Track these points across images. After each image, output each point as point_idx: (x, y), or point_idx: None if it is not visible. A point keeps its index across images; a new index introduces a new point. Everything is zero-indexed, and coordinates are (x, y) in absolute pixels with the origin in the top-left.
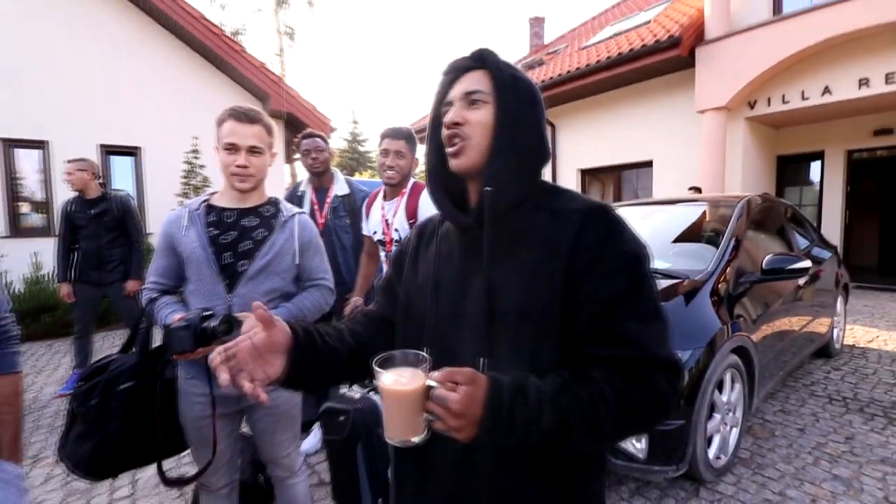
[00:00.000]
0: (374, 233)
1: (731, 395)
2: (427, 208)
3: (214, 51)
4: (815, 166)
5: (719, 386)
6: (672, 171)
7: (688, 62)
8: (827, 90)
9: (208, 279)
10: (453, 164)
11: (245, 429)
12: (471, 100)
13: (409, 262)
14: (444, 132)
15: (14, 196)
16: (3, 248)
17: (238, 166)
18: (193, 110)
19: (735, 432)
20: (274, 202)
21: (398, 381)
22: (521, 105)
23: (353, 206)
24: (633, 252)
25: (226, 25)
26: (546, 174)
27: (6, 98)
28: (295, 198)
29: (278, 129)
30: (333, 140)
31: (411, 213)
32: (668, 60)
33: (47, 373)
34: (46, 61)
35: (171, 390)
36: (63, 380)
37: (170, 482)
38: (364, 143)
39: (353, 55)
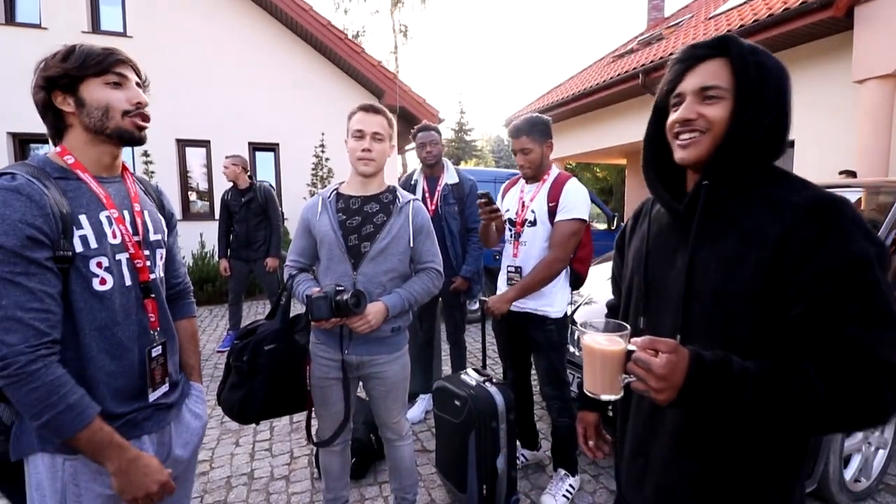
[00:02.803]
0: (507, 210)
1: None
2: (572, 200)
3: (338, 53)
4: None
5: None
6: (818, 152)
7: (842, 24)
8: None
9: (338, 259)
10: (679, 155)
11: (361, 393)
12: (705, 95)
13: (626, 241)
14: (673, 126)
15: (185, 187)
16: (178, 229)
17: (363, 150)
18: (320, 108)
19: (882, 455)
20: (392, 190)
21: (596, 341)
22: (765, 100)
23: (461, 195)
24: (859, 254)
25: (348, 29)
26: None
27: (179, 105)
28: (409, 186)
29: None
30: (441, 130)
31: (553, 198)
32: (818, 24)
33: (209, 332)
34: (207, 74)
35: (303, 354)
36: (220, 338)
37: (316, 443)
38: (470, 132)
39: (461, 45)
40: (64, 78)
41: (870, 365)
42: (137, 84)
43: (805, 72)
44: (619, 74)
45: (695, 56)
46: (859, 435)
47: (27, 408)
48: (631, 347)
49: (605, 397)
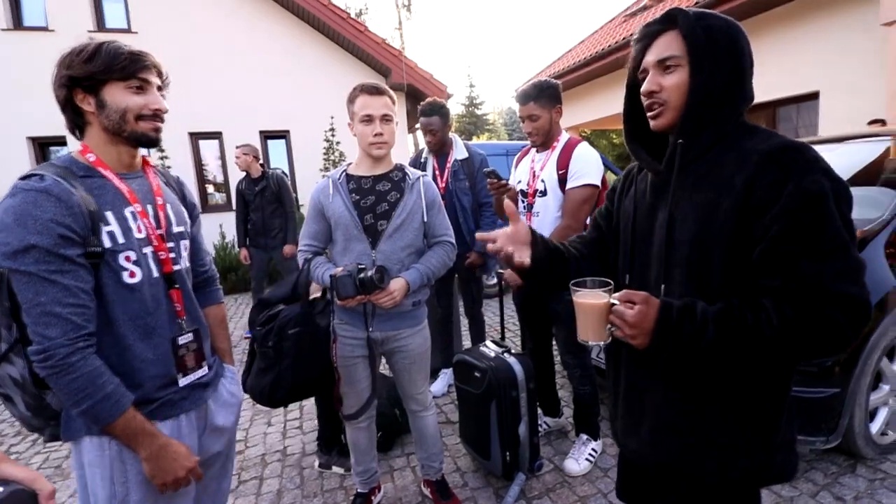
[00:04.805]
0: (519, 182)
1: None
2: (582, 166)
3: (342, 33)
4: None
5: (890, 354)
6: (845, 102)
7: None
8: None
9: (355, 238)
10: (653, 125)
11: (383, 371)
12: (665, 66)
13: (617, 197)
14: (643, 98)
15: (202, 179)
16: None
17: (376, 135)
18: (328, 92)
19: None
20: (400, 167)
21: (583, 296)
22: (717, 58)
23: (471, 170)
24: (817, 190)
25: (350, 8)
26: None
27: (191, 99)
28: (419, 164)
29: (401, 101)
30: (451, 106)
31: (562, 165)
32: None
33: (235, 320)
34: (213, 65)
35: (326, 335)
36: (246, 325)
37: (346, 416)
38: (480, 105)
39: (467, 16)
40: (88, 80)
41: (821, 295)
42: (158, 87)
43: (830, 18)
44: (631, 34)
45: (650, 33)
46: (885, 388)
47: (68, 396)
48: (612, 300)
49: (592, 343)
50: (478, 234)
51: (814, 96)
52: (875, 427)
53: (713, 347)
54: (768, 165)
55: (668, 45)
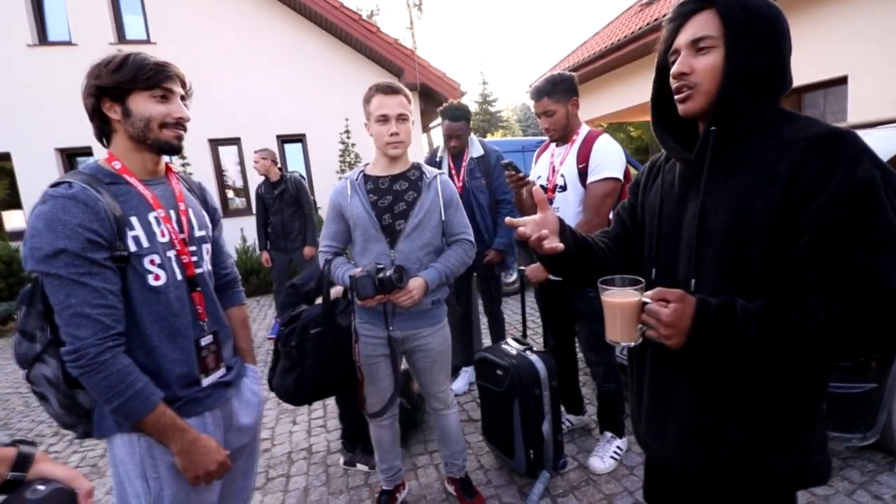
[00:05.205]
0: (539, 177)
1: None
2: (602, 159)
3: (354, 35)
4: None
5: None
6: (876, 87)
7: None
8: None
9: (374, 238)
10: (681, 108)
11: (404, 367)
12: (698, 47)
13: (641, 191)
14: (672, 81)
15: (222, 185)
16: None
17: (392, 134)
18: (341, 94)
19: None
20: (417, 166)
21: (613, 295)
22: (756, 39)
23: (487, 167)
24: (866, 180)
25: (361, 10)
26: None
27: (209, 106)
28: (434, 163)
29: (414, 100)
30: (469, 109)
31: (582, 159)
32: None
33: (258, 322)
34: (229, 72)
35: (347, 334)
36: (270, 326)
37: (370, 415)
38: (494, 102)
39: (478, 12)
40: (114, 89)
41: (874, 289)
42: (182, 97)
43: None
44: (647, 24)
45: (684, 13)
46: None
47: (99, 394)
48: (645, 299)
49: (623, 344)
50: (507, 220)
51: (842, 81)
52: None
53: (754, 347)
54: (814, 153)
55: (703, 24)
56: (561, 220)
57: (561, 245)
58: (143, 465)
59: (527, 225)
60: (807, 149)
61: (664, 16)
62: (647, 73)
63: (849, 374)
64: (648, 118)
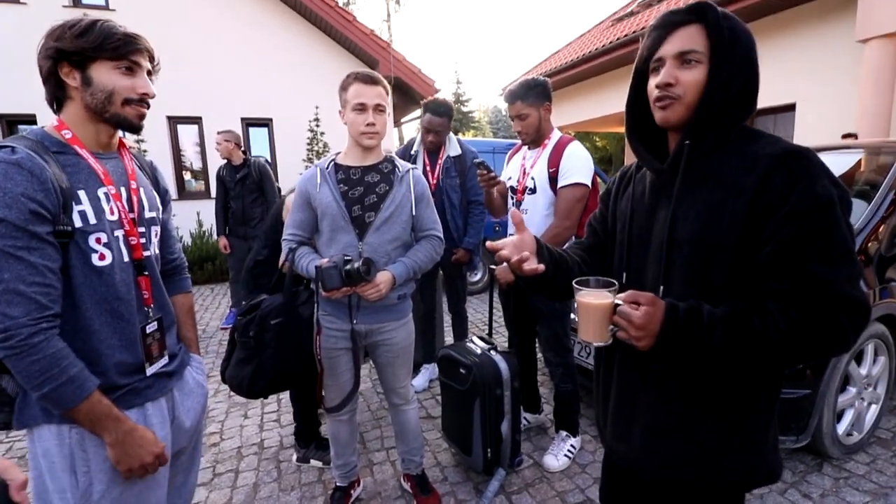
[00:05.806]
0: (509, 178)
1: (873, 368)
2: (572, 165)
3: (329, 22)
4: None
5: (857, 357)
6: (819, 115)
7: None
8: None
9: (342, 229)
10: (659, 116)
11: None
12: (685, 59)
13: (613, 199)
14: (653, 90)
15: (179, 165)
16: (173, 209)
17: (368, 125)
18: (313, 81)
19: (874, 409)
20: (390, 159)
21: (587, 296)
22: (737, 62)
23: (463, 167)
24: (824, 196)
25: None
26: None
27: (170, 81)
28: (408, 156)
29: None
30: (449, 101)
31: (553, 163)
32: None
33: (211, 310)
34: (195, 48)
35: (308, 326)
36: (223, 315)
37: (328, 409)
38: (467, 102)
39: (455, 12)
40: (76, 55)
41: (830, 298)
42: (149, 72)
43: (806, 33)
44: (618, 38)
45: (672, 22)
46: (852, 391)
47: (28, 379)
48: (617, 301)
49: (596, 344)
50: (488, 244)
51: (790, 108)
52: (841, 428)
53: (719, 350)
54: (778, 168)
55: (690, 38)
56: (537, 239)
57: (541, 266)
58: (73, 457)
59: (506, 247)
60: (771, 165)
61: (634, 32)
62: (615, 85)
63: (785, 380)
64: (614, 129)
